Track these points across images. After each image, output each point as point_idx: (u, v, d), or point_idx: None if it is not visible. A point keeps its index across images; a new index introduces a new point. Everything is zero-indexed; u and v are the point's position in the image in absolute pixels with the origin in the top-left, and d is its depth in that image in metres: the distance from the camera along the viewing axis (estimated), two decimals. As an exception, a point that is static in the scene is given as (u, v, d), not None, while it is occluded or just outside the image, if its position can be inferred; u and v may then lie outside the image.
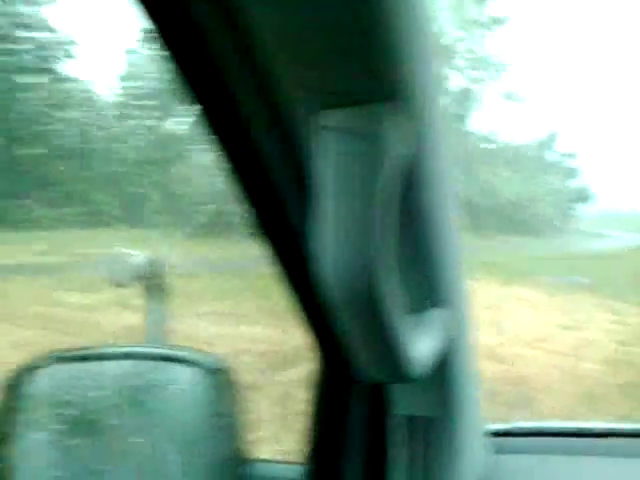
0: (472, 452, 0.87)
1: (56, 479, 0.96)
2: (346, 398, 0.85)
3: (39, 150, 30.06)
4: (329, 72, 0.51)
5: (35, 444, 0.97)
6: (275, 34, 0.50)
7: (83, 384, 0.99)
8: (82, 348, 1.06)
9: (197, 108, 0.66)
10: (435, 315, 0.73)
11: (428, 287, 0.74)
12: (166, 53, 0.63)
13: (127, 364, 1.00)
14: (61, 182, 30.87)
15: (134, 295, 9.07)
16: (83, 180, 31.80)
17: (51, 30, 32.83)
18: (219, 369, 0.96)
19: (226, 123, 0.69)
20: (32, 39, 31.32)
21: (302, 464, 0.93)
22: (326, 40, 0.48)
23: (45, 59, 32.33)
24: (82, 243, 19.72)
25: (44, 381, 0.99)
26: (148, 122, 32.27)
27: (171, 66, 0.63)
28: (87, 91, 34.63)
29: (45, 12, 32.43)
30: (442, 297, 0.75)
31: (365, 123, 0.52)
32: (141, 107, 29.39)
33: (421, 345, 0.65)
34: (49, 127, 30.12)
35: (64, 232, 24.87)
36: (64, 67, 33.77)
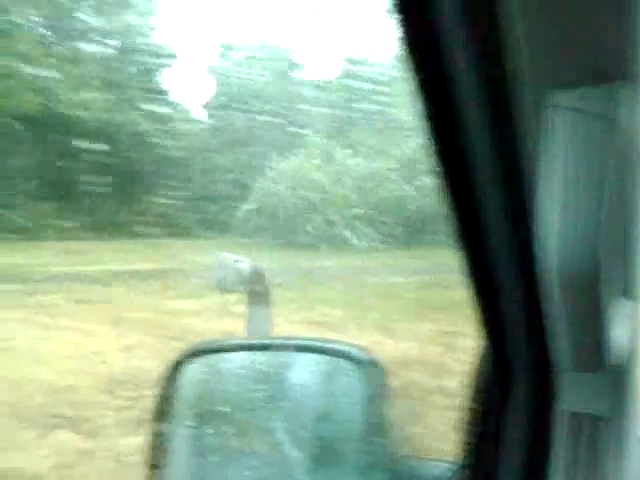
0: (638, 457, 0.82)
1: (208, 465, 1.02)
2: (507, 392, 0.83)
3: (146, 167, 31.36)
4: (565, 49, 0.49)
5: (188, 432, 1.02)
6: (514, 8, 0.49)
7: (236, 374, 1.04)
8: (234, 339, 1.11)
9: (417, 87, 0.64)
10: (627, 305, 0.69)
11: (629, 275, 0.69)
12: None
13: (277, 355, 1.04)
14: (163, 196, 31.99)
15: (233, 302, 9.35)
16: (182, 194, 32.84)
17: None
18: (370, 362, 0.97)
19: (441, 100, 0.65)
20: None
21: (455, 462, 0.92)
22: (572, 17, 0.47)
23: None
24: (184, 251, 20.44)
25: (197, 372, 1.05)
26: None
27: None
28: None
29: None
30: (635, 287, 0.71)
31: (599, 103, 0.50)
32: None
33: (619, 333, 0.63)
34: (148, 139, 31.36)
35: (167, 241, 25.82)
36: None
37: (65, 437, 4.40)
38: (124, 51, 32.86)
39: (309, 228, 23.98)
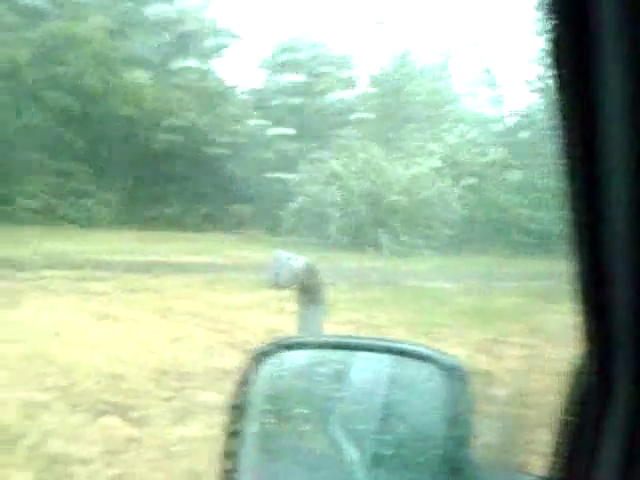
0: None
1: (280, 464, 0.98)
2: (605, 407, 0.79)
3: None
4: None
5: (264, 428, 0.99)
6: None
7: (313, 372, 1.00)
8: (312, 337, 1.08)
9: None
10: None
11: None
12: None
13: (355, 355, 1.00)
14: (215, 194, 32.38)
15: (283, 298, 9.37)
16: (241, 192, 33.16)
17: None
18: (453, 367, 0.93)
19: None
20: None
21: (544, 476, 0.87)
22: None
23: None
24: (233, 246, 20.66)
25: (274, 367, 1.01)
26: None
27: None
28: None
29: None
30: None
31: None
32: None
33: None
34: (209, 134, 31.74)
35: (217, 235, 26.16)
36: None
37: (113, 424, 4.43)
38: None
39: (358, 230, 23.96)
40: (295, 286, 3.67)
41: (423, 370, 0.93)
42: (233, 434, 0.97)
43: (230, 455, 0.97)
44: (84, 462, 3.81)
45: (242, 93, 39.15)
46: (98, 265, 13.05)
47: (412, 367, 0.95)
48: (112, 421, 4.48)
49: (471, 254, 21.08)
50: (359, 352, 1.00)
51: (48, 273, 11.46)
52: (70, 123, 28.19)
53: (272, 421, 1.00)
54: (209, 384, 5.34)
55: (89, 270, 12.12)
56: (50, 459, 3.83)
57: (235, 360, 6.08)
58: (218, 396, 5.08)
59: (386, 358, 0.98)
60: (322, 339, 1.03)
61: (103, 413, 4.62)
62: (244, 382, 0.99)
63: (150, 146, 30.61)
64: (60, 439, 4.14)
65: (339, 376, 0.99)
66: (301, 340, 1.06)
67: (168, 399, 4.95)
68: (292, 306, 7.96)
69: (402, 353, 0.97)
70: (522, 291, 11.93)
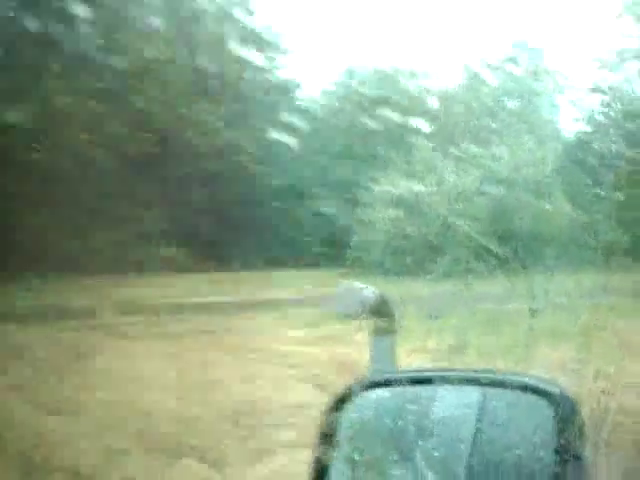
0: None
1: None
2: None
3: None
4: None
5: (352, 466, 0.94)
6: None
7: (405, 408, 0.94)
8: (401, 372, 1.02)
9: None
10: None
11: None
12: None
13: (448, 388, 0.94)
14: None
15: (352, 330, 9.31)
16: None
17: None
18: (565, 399, 0.85)
19: None
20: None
21: None
22: None
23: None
24: (305, 281, 20.74)
25: (360, 405, 0.96)
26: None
27: None
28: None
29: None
30: None
31: None
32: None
33: None
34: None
35: (277, 269, 26.35)
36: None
37: (191, 466, 4.44)
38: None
39: (426, 255, 23.63)
40: (366, 316, 3.61)
41: (528, 401, 0.86)
42: (321, 470, 0.92)
43: None
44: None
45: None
46: (172, 309, 13.30)
47: (513, 398, 0.88)
48: (190, 463, 4.49)
49: (547, 273, 20.48)
50: (452, 386, 0.94)
51: (124, 320, 11.73)
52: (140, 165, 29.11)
53: (359, 458, 0.94)
54: (283, 421, 5.31)
55: (163, 314, 12.36)
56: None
57: (306, 395, 6.05)
58: (292, 432, 5.04)
59: (484, 390, 0.91)
60: (411, 374, 0.97)
61: (181, 456, 4.63)
62: (330, 418, 0.94)
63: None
64: (141, 483, 4.17)
65: (425, 410, 0.93)
66: (390, 376, 1.00)
67: (245, 438, 4.94)
68: (362, 337, 7.91)
69: (500, 384, 0.90)
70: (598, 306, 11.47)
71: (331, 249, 34.62)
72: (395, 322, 3.68)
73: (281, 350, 8.37)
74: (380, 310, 3.67)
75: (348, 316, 3.23)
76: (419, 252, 23.59)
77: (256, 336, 9.61)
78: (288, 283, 19.88)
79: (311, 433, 4.38)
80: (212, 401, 5.99)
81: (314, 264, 30.93)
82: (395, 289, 13.41)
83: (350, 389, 0.96)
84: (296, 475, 4.19)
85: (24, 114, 24.16)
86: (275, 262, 31.08)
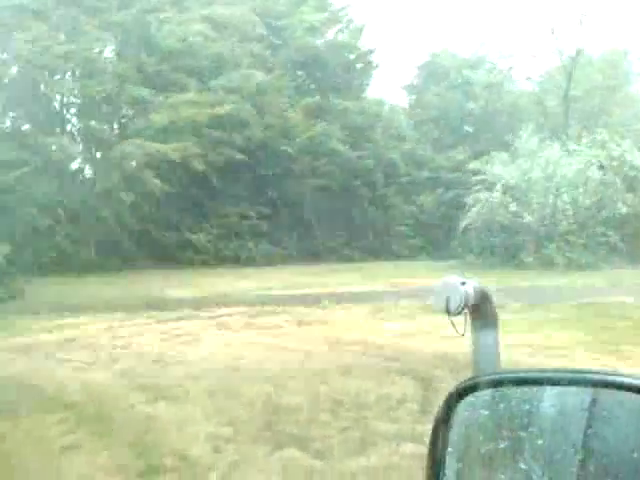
0: None
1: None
2: None
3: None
4: None
5: (463, 466, 0.94)
6: None
7: (519, 409, 0.94)
8: (514, 371, 1.01)
9: None
10: None
11: None
12: None
13: (568, 390, 0.92)
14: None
15: (447, 324, 9.18)
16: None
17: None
18: None
19: None
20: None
21: None
22: None
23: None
24: (392, 273, 20.68)
25: (472, 404, 0.96)
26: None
27: None
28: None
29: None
30: None
31: None
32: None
33: None
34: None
35: (373, 263, 26.34)
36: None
37: (293, 455, 4.53)
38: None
39: (522, 246, 22.94)
40: (466, 311, 3.55)
41: (636, 402, 0.83)
42: (436, 466, 0.93)
43: None
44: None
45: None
46: (269, 300, 13.61)
47: (621, 399, 0.86)
48: (292, 452, 4.58)
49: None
50: (573, 388, 0.92)
51: (224, 311, 12.12)
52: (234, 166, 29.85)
53: (469, 458, 0.94)
54: (383, 413, 5.32)
55: (260, 306, 12.66)
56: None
57: (406, 388, 6.04)
58: (393, 425, 5.04)
59: (609, 394, 0.88)
60: (527, 374, 0.95)
61: (283, 445, 4.73)
62: (442, 419, 0.95)
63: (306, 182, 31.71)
64: (245, 471, 4.29)
65: (534, 411, 0.92)
66: (494, 377, 0.99)
67: (345, 429, 4.98)
68: (459, 332, 7.77)
69: (613, 386, 0.87)
70: None
71: (426, 238, 34.30)
72: (497, 317, 3.62)
73: (377, 342, 8.39)
74: (481, 305, 3.60)
75: (447, 310, 3.19)
76: (521, 240, 22.92)
77: (352, 328, 9.68)
78: (383, 275, 19.88)
79: (413, 427, 4.39)
80: (311, 392, 6.08)
81: (410, 255, 30.77)
82: (495, 280, 13.15)
83: (462, 387, 0.96)
84: (399, 467, 4.21)
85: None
86: (370, 253, 31.14)
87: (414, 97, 40.71)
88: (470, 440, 0.94)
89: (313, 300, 13.01)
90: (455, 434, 0.93)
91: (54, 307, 13.96)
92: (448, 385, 6.14)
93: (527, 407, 0.91)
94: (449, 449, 0.92)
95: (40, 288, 17.62)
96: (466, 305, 3.43)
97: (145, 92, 27.49)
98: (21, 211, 24.47)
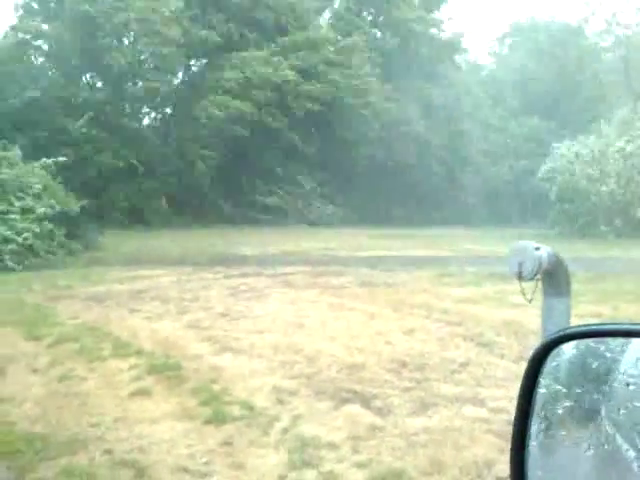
0: None
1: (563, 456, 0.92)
2: None
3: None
4: None
5: (558, 421, 0.93)
6: None
7: (607, 361, 0.92)
8: (603, 324, 0.99)
9: None
10: None
11: None
12: None
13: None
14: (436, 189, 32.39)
15: (512, 291, 9.04)
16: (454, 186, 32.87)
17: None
18: None
19: None
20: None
21: None
22: None
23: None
24: (459, 240, 20.43)
25: (564, 357, 0.95)
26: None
27: None
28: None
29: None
30: None
31: None
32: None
33: None
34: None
35: (438, 229, 26.08)
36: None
37: (356, 411, 4.59)
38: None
39: (595, 216, 22.23)
40: (539, 277, 3.49)
41: None
42: (521, 425, 0.92)
43: (518, 447, 0.93)
44: (332, 446, 3.99)
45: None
46: (333, 261, 13.69)
47: None
48: (355, 409, 4.64)
49: None
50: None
51: (289, 269, 12.27)
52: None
53: (556, 410, 0.93)
54: (447, 376, 5.32)
55: (325, 266, 12.75)
56: (301, 442, 4.07)
57: (470, 352, 6.00)
58: (456, 388, 5.03)
59: None
60: (622, 326, 0.93)
61: (346, 401, 4.80)
62: (531, 372, 0.94)
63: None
64: (308, 424, 4.38)
65: (623, 363, 0.90)
66: (598, 327, 0.97)
67: (408, 389, 5.01)
68: (524, 298, 7.65)
69: None
70: None
71: (496, 206, 33.64)
72: (570, 284, 3.53)
73: (442, 307, 8.34)
74: (554, 271, 3.53)
75: (519, 276, 3.13)
76: (599, 212, 22.23)
77: (416, 291, 9.65)
78: (449, 241, 19.68)
79: (476, 391, 4.37)
80: (374, 351, 6.12)
81: (478, 224, 30.31)
82: (567, 248, 12.77)
83: (551, 339, 0.95)
84: (461, 430, 4.22)
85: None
86: (437, 220, 30.85)
87: (499, 64, 39.93)
88: (558, 393, 0.93)
89: (377, 262, 13.01)
90: (543, 386, 0.92)
91: (126, 259, 14.45)
92: (513, 351, 6.09)
93: (615, 360, 0.89)
94: (537, 402, 0.91)
95: (113, 240, 18.23)
96: (539, 271, 3.37)
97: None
98: (96, 161, 25.29)
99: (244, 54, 27.72)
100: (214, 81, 27.99)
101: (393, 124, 31.48)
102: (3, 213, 14.60)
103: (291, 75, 28.05)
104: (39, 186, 16.10)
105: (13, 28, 27.31)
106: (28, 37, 27.45)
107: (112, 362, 5.98)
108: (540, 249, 3.38)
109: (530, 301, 3.54)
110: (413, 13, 34.43)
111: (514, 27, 39.08)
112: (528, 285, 4.03)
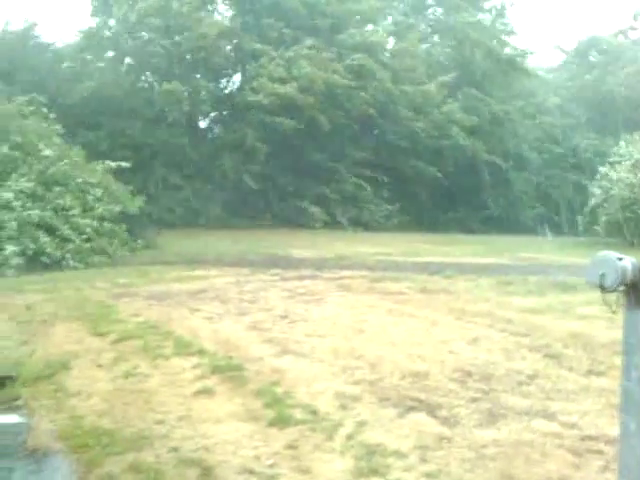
0: None
1: None
2: None
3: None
4: None
5: None
6: None
7: None
8: None
9: None
10: None
11: None
12: None
13: None
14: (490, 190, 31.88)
15: (578, 302, 8.80)
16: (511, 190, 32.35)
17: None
18: None
19: None
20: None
21: None
22: None
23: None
24: (517, 247, 20.02)
25: None
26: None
27: None
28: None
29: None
30: None
31: None
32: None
33: None
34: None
35: (497, 237, 25.64)
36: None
37: (422, 420, 4.50)
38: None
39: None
40: (622, 288, 3.33)
41: None
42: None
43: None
44: (399, 455, 3.92)
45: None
46: (390, 266, 13.57)
47: None
48: (421, 417, 4.55)
49: None
50: None
51: (346, 273, 12.21)
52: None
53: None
54: (514, 388, 5.17)
55: (382, 271, 12.64)
56: (366, 449, 4.01)
57: (537, 364, 5.82)
58: (525, 400, 4.89)
59: None
60: None
61: (411, 409, 4.72)
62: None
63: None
64: (373, 430, 4.31)
65: None
66: None
67: (474, 400, 4.88)
68: (596, 310, 7.44)
69: None
70: None
71: (552, 214, 32.97)
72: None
73: (505, 316, 8.14)
74: (638, 282, 3.36)
75: (601, 287, 3.00)
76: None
77: (478, 300, 9.45)
78: (508, 248, 19.28)
79: (545, 404, 4.21)
80: (437, 359, 6.01)
81: (534, 232, 29.70)
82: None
83: None
84: (532, 444, 4.08)
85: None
86: (493, 228, 30.35)
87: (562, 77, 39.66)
88: None
89: (436, 269, 12.83)
90: None
91: (184, 259, 14.64)
92: (582, 365, 5.88)
93: None
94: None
95: (170, 240, 18.52)
96: (623, 282, 3.22)
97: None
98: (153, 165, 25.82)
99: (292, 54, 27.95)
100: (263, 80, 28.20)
101: (453, 124, 31.15)
102: (65, 210, 14.99)
103: (345, 78, 28.02)
104: (100, 187, 16.53)
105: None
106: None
107: (175, 360, 6.03)
108: (624, 259, 3.22)
109: (614, 312, 3.38)
110: (473, 19, 34.05)
111: (583, 43, 38.73)
112: (594, 296, 3.87)
